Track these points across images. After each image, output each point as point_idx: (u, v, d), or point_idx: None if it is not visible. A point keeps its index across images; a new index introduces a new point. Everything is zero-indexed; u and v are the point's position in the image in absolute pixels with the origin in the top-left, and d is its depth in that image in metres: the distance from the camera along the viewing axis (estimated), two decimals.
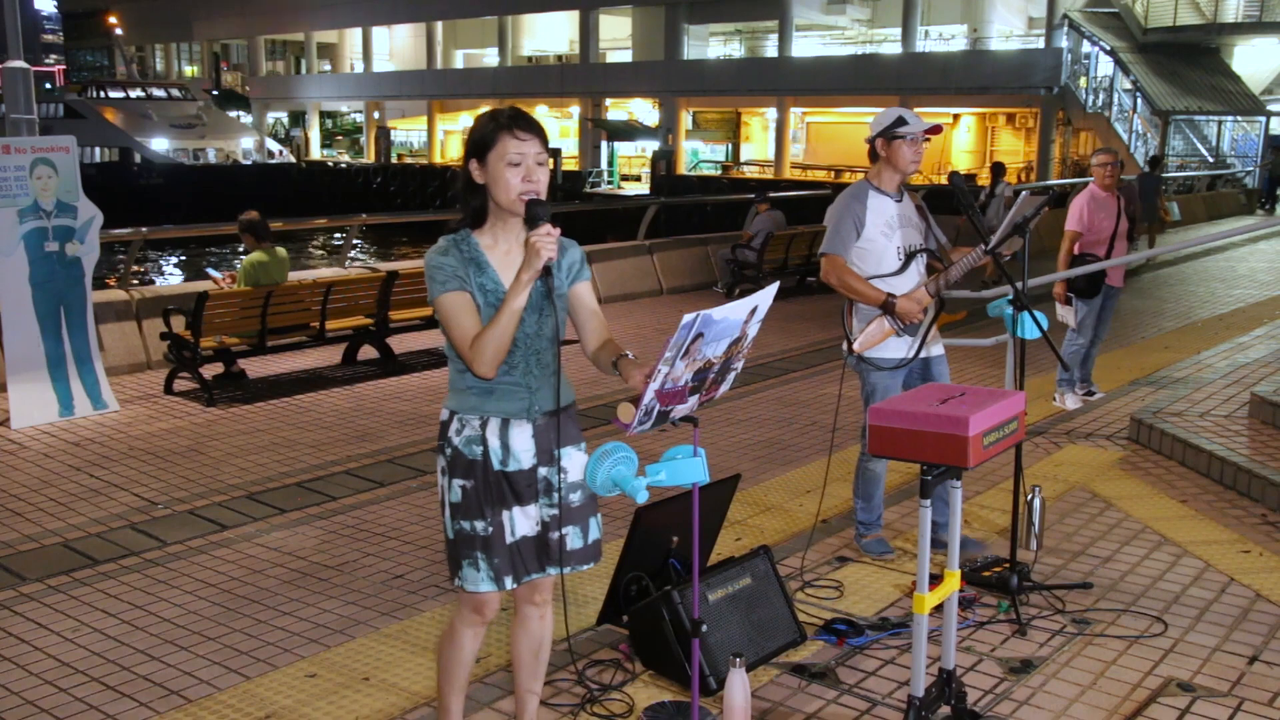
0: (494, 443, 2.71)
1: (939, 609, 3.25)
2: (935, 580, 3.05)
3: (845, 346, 4.56)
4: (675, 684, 3.51)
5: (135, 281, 15.45)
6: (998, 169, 15.94)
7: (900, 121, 4.37)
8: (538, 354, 2.73)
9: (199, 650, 3.96)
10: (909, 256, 4.46)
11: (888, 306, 4.37)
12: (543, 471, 2.76)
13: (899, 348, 4.47)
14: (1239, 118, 32.12)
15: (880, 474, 4.69)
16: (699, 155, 41.82)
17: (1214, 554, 4.66)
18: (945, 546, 3.41)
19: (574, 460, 2.80)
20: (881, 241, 4.44)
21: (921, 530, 2.98)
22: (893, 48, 37.05)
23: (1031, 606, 4.10)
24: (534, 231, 2.55)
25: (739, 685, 3.02)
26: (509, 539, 2.74)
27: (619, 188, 40.75)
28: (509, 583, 2.74)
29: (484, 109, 2.98)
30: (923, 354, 4.52)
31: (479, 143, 2.66)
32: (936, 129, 4.44)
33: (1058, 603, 4.15)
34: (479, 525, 2.70)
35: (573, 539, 2.80)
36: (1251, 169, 30.60)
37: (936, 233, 4.59)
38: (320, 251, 29.24)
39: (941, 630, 3.18)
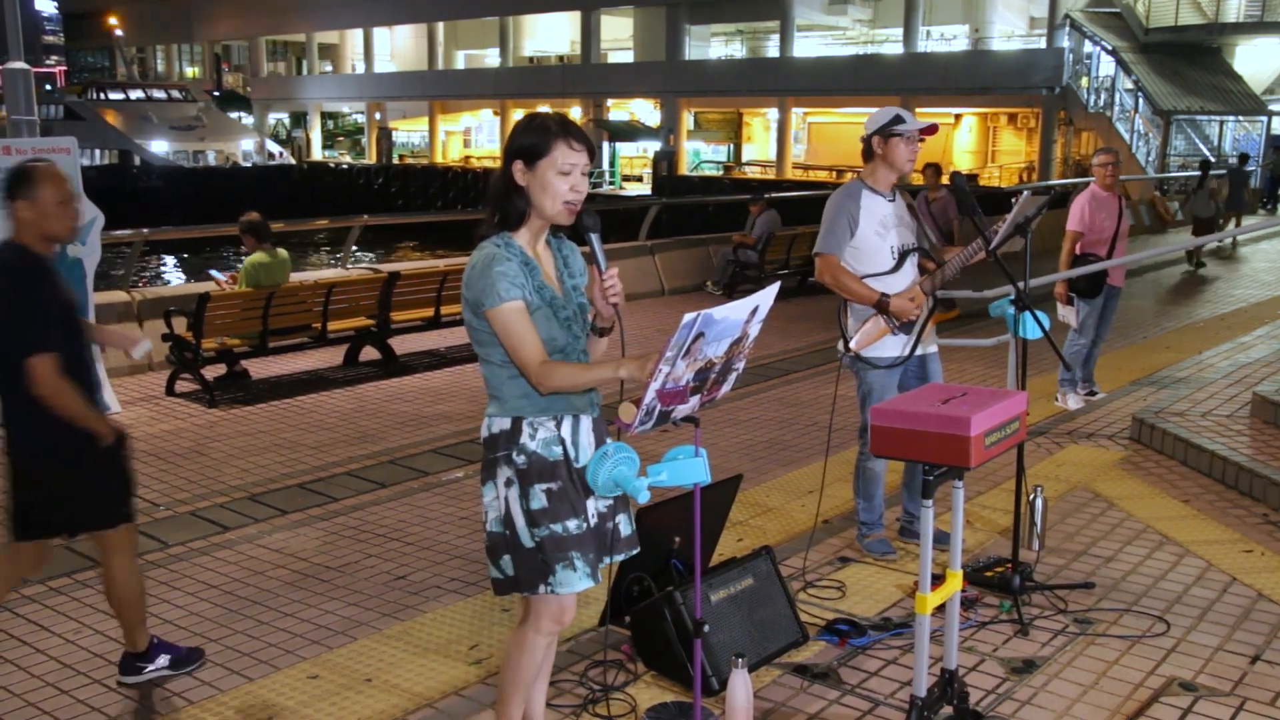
0: (569, 439, 2.75)
1: (941, 609, 3.25)
2: (937, 580, 3.05)
3: (841, 346, 4.57)
4: (677, 684, 3.51)
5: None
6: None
7: (897, 120, 4.41)
8: (583, 351, 2.81)
9: None
10: (902, 255, 4.48)
11: (881, 306, 4.38)
12: None
13: (895, 346, 4.47)
14: (1241, 118, 32.08)
15: (880, 473, 4.69)
16: (700, 156, 41.82)
17: (1216, 554, 4.66)
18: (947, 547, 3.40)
19: None
20: (875, 241, 4.45)
21: (924, 530, 2.98)
22: (894, 48, 37.04)
23: (1033, 606, 4.10)
24: (607, 283, 2.68)
25: (741, 686, 3.02)
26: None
27: (621, 188, 40.74)
28: (599, 575, 2.77)
29: (534, 109, 3.01)
30: (918, 351, 4.53)
31: (530, 147, 2.67)
32: (932, 128, 4.45)
33: (1060, 603, 4.15)
34: (572, 524, 2.71)
35: (624, 526, 2.86)
36: (1253, 169, 30.57)
37: (928, 232, 4.61)
38: (325, 246, 29.17)
39: (944, 630, 3.19)
